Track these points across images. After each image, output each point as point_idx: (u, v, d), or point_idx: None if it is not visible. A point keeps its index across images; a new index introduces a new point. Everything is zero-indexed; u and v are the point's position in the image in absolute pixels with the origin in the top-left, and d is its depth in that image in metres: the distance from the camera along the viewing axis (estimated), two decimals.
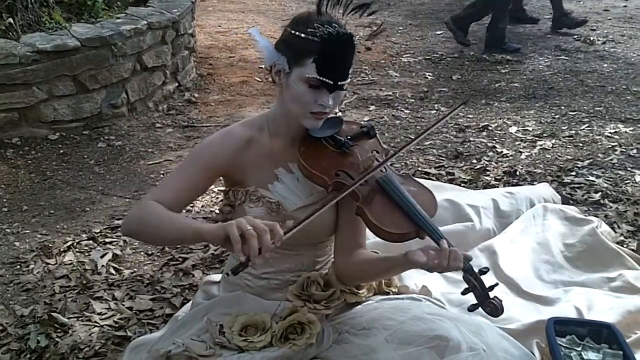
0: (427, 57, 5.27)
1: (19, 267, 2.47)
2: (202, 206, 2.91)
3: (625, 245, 2.44)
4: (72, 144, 3.59)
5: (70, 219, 2.83)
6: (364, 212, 1.50)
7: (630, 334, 1.85)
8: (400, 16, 6.58)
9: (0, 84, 3.40)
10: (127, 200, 3.00)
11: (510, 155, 3.42)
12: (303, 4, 6.94)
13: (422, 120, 3.99)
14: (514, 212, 2.51)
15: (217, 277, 1.91)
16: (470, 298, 1.51)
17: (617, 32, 5.93)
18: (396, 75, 4.86)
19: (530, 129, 3.80)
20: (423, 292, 1.84)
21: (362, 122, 1.79)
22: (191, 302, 1.92)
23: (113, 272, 2.41)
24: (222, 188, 1.77)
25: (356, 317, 1.65)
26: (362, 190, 1.53)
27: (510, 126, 3.84)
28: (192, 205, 2.86)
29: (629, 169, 3.22)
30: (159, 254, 2.54)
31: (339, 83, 1.50)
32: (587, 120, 3.93)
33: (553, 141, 3.60)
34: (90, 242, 2.61)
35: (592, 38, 5.64)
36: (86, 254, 2.53)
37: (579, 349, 1.70)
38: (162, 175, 3.25)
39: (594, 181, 3.05)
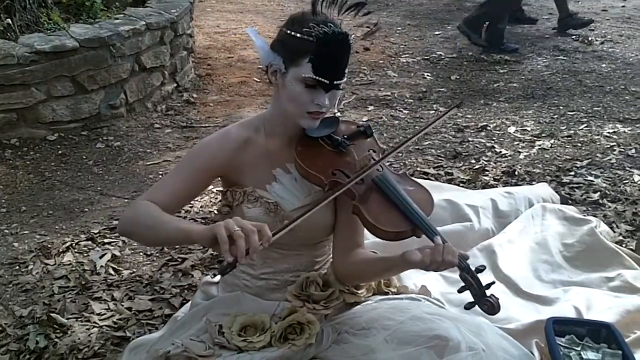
0: (426, 58, 5.27)
1: (17, 267, 2.47)
2: (201, 207, 2.90)
3: (624, 245, 2.44)
4: (71, 145, 3.58)
5: (69, 219, 2.83)
6: (361, 210, 1.51)
7: (629, 334, 1.85)
8: (398, 16, 6.58)
9: None
10: (126, 200, 3.00)
11: (509, 155, 3.42)
12: (302, 4, 6.93)
13: (421, 120, 3.99)
14: (512, 212, 2.51)
15: (216, 277, 1.91)
16: (468, 296, 1.51)
17: (616, 32, 5.94)
18: (395, 76, 4.86)
19: (528, 129, 3.80)
20: (422, 292, 1.84)
21: (360, 122, 1.79)
22: (190, 302, 1.92)
23: (112, 272, 2.41)
24: (221, 188, 1.77)
25: (355, 317, 1.65)
26: (358, 189, 1.53)
27: (509, 126, 3.84)
28: (191, 205, 2.86)
29: (627, 168, 3.22)
30: (158, 254, 2.54)
31: (335, 82, 1.51)
32: (585, 120, 3.93)
33: (552, 141, 3.60)
34: (89, 242, 2.61)
35: (590, 38, 5.64)
36: (85, 255, 2.52)
37: (578, 348, 1.69)
38: (160, 176, 3.24)
39: (593, 181, 3.06)
